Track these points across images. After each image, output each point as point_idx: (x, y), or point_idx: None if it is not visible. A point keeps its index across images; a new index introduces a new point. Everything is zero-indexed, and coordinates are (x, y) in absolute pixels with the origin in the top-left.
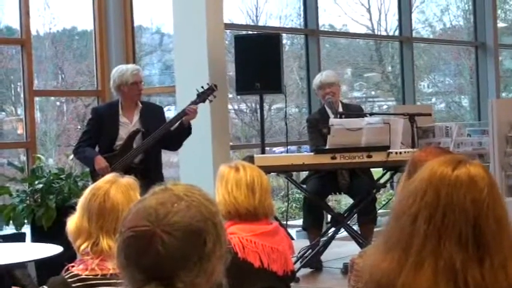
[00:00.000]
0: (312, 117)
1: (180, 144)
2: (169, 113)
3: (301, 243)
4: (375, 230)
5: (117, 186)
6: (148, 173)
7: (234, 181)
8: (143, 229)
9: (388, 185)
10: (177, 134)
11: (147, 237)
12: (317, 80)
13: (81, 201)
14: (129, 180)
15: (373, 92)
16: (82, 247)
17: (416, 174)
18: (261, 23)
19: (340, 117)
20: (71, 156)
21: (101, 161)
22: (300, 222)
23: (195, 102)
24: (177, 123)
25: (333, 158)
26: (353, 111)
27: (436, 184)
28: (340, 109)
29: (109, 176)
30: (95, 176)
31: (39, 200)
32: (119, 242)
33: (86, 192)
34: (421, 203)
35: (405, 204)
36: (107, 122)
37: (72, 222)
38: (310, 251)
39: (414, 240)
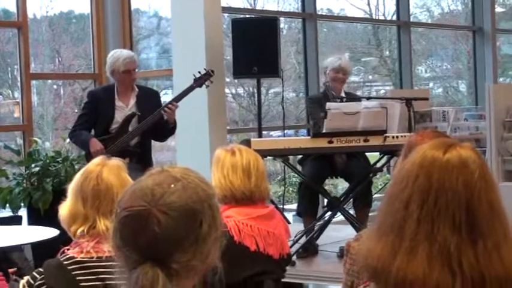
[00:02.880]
0: (315, 96)
1: (164, 138)
2: (167, 96)
3: (297, 227)
4: (371, 214)
5: (109, 168)
6: (145, 157)
7: (230, 165)
8: (139, 209)
9: (385, 169)
10: (162, 128)
11: (143, 216)
12: (336, 62)
13: (72, 187)
14: (117, 161)
15: (370, 77)
16: (79, 231)
17: (407, 159)
18: (258, 7)
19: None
20: (68, 140)
21: (95, 144)
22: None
23: (190, 88)
24: (157, 118)
25: (330, 142)
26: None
27: (427, 168)
28: (343, 94)
29: (97, 160)
30: (90, 159)
31: (36, 183)
32: (114, 223)
33: (77, 177)
34: (413, 187)
35: (397, 189)
36: (103, 106)
37: (65, 209)
38: (305, 235)
39: (407, 224)
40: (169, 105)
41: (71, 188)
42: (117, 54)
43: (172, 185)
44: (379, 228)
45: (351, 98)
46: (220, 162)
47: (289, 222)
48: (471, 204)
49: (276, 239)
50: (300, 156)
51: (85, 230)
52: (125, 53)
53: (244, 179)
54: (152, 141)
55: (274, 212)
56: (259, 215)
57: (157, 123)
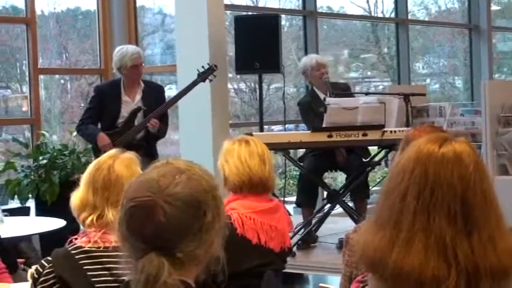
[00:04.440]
0: (304, 100)
1: (161, 136)
2: (171, 91)
3: (297, 219)
4: (369, 206)
5: (121, 160)
6: (151, 150)
7: (247, 152)
8: (145, 199)
9: (383, 162)
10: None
11: (148, 207)
12: (312, 61)
13: (85, 176)
14: (130, 155)
15: (369, 73)
16: (88, 220)
17: (404, 153)
18: (260, 4)
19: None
20: (74, 133)
21: (103, 138)
22: None
23: (195, 82)
24: (143, 129)
25: (330, 136)
26: (341, 89)
27: (423, 162)
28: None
29: (112, 152)
30: (97, 152)
31: (43, 175)
32: (121, 214)
33: (90, 167)
34: (409, 180)
35: (394, 182)
36: (109, 100)
37: (76, 197)
38: (305, 227)
39: (404, 216)
40: (151, 122)
41: (84, 177)
42: (124, 50)
43: (177, 176)
44: (377, 221)
45: (348, 93)
46: (235, 151)
47: (290, 214)
48: (466, 196)
49: (278, 233)
50: (301, 154)
51: (94, 219)
52: (131, 48)
53: (260, 165)
54: None
55: (278, 206)
56: (263, 209)
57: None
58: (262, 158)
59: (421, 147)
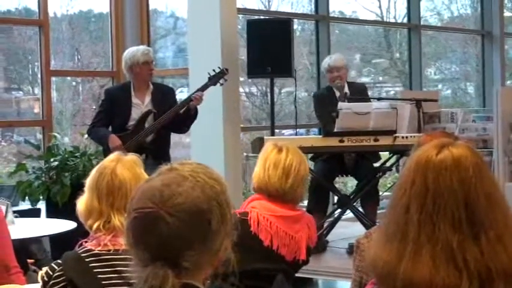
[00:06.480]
0: (319, 92)
1: (187, 127)
2: (182, 94)
3: None
4: (379, 211)
5: (123, 164)
6: (160, 153)
7: (273, 161)
8: (147, 211)
9: (394, 168)
10: (184, 118)
11: (151, 218)
12: (326, 63)
13: (88, 182)
14: (132, 157)
15: (381, 78)
16: (94, 226)
17: (406, 163)
18: (273, 9)
19: (349, 101)
20: (86, 135)
21: (115, 140)
22: None
23: (205, 86)
24: (184, 108)
25: (341, 141)
26: (357, 89)
27: (422, 170)
28: (346, 89)
29: (113, 155)
30: (108, 154)
31: (55, 177)
32: (126, 223)
33: (93, 173)
34: (411, 191)
35: (397, 195)
36: (119, 103)
37: (81, 203)
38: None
39: (409, 229)
40: (196, 95)
41: (87, 183)
42: (134, 49)
43: (180, 185)
44: (385, 234)
45: (361, 98)
46: (265, 155)
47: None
48: (469, 200)
49: (293, 243)
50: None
51: (101, 225)
52: (141, 47)
53: (282, 177)
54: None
55: (301, 217)
56: (283, 215)
57: (180, 114)
58: (286, 171)
59: (420, 156)
